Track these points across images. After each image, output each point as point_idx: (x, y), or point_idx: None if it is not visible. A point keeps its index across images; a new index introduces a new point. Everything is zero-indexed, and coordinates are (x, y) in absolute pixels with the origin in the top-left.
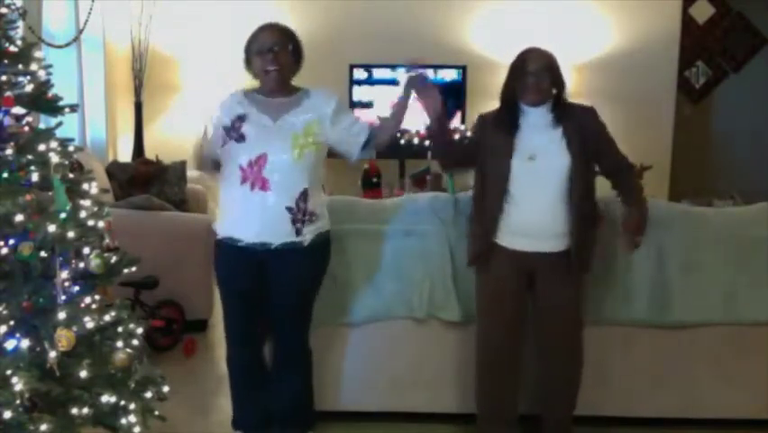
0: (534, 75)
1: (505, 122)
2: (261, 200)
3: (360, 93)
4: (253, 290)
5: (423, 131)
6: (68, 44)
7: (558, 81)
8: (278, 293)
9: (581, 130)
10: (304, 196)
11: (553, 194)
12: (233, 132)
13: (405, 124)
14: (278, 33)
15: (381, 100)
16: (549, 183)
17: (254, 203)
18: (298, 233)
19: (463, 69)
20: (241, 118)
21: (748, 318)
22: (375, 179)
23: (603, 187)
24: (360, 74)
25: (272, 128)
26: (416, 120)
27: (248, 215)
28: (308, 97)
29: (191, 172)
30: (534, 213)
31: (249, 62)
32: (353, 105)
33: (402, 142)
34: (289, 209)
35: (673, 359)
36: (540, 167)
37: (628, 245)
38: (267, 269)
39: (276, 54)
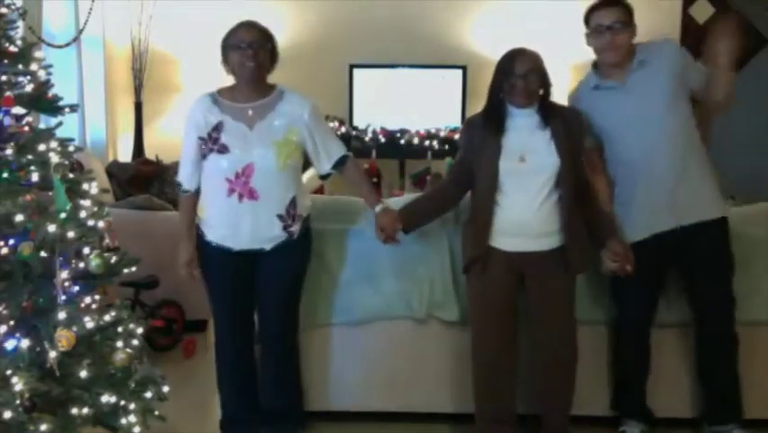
0: (523, 77)
1: (492, 123)
2: (252, 210)
3: (360, 92)
4: (246, 287)
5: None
6: (68, 44)
7: (545, 82)
8: (271, 287)
9: (568, 130)
10: (293, 203)
11: (543, 194)
12: (212, 143)
13: (405, 124)
14: (258, 32)
15: (382, 99)
16: (539, 183)
17: (244, 213)
18: (290, 234)
19: (463, 68)
20: (217, 128)
21: (748, 319)
22: (375, 180)
23: None
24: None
25: (252, 136)
26: (416, 120)
27: (239, 226)
28: (282, 100)
29: None
30: (525, 213)
31: (226, 57)
32: (353, 103)
33: (402, 141)
34: (280, 216)
35: (673, 359)
36: (530, 168)
37: (620, 270)
38: (259, 266)
39: (255, 51)
